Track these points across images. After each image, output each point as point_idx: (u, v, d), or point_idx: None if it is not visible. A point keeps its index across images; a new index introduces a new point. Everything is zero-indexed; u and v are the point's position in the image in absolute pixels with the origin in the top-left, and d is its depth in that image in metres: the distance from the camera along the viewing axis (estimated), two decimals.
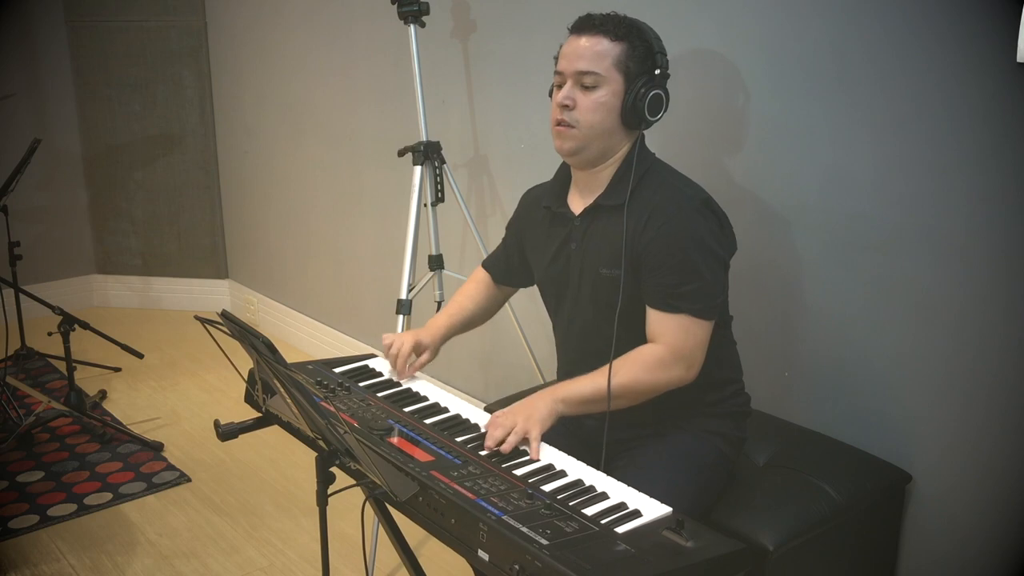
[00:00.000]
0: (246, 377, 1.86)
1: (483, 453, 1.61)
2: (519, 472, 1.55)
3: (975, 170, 1.78)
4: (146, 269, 4.59)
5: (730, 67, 2.16)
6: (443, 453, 1.58)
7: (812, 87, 2.02)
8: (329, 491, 1.56)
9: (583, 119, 1.74)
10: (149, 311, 4.60)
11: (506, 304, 2.26)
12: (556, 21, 1.92)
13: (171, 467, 3.03)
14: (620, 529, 1.38)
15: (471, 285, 2.14)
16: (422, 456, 1.56)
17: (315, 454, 1.59)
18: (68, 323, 3.23)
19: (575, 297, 1.87)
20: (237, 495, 2.88)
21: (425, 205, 2.70)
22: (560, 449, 1.65)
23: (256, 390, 1.82)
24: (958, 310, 1.85)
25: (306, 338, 4.07)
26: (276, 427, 1.82)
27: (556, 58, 1.80)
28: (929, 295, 1.89)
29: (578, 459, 1.62)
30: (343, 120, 3.58)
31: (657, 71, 1.75)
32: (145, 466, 3.03)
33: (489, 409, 1.98)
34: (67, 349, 3.20)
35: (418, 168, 2.65)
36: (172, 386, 3.71)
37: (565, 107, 1.75)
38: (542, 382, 2.68)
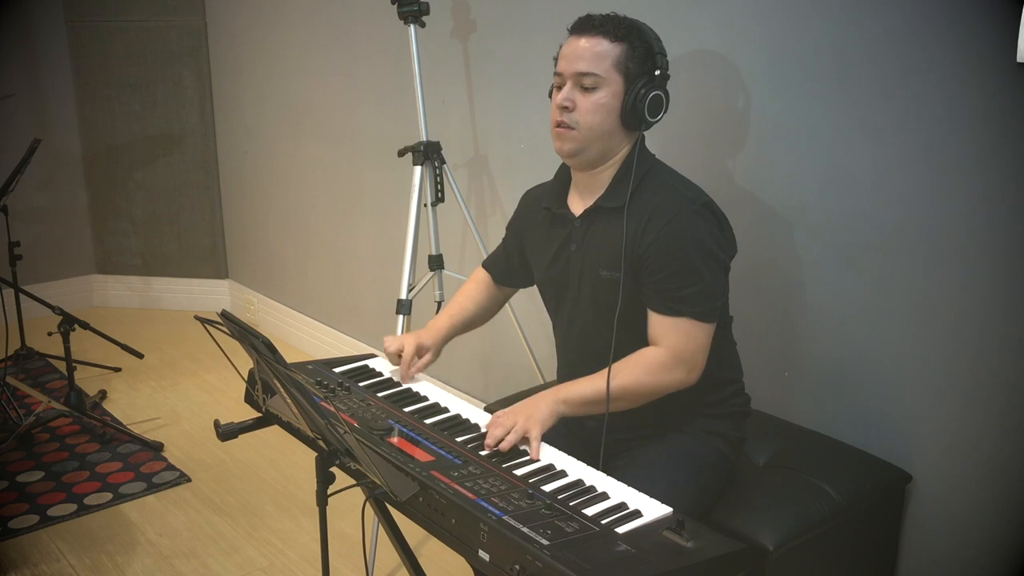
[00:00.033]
0: (246, 377, 1.86)
1: (483, 453, 1.62)
2: (519, 472, 1.55)
3: (975, 170, 1.78)
4: (146, 269, 4.59)
5: (730, 67, 2.16)
6: (443, 453, 1.58)
7: (812, 87, 2.02)
8: (329, 491, 1.56)
9: (583, 121, 1.74)
10: (149, 311, 4.60)
11: (506, 304, 2.26)
12: (556, 21, 1.92)
13: (171, 467, 3.03)
14: (620, 529, 1.38)
15: (471, 286, 2.14)
16: (422, 456, 1.56)
17: (315, 454, 1.59)
18: (68, 323, 3.23)
19: (575, 298, 1.87)
20: (237, 495, 2.88)
21: (425, 205, 2.70)
22: (560, 449, 1.65)
23: (256, 390, 1.82)
24: (958, 310, 1.85)
25: (306, 338, 4.07)
26: (276, 427, 1.82)
27: (556, 59, 1.80)
28: (929, 295, 1.89)
29: (578, 459, 1.62)
30: (343, 120, 3.58)
31: (657, 72, 1.75)
32: (145, 466, 3.03)
33: (489, 409, 1.98)
34: (67, 349, 3.20)
35: (418, 168, 2.65)
36: (172, 386, 3.71)
37: (565, 109, 1.75)
38: (542, 382, 2.68)
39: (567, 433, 1.81)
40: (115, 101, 4.37)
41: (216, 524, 2.72)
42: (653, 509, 1.44)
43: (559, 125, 1.76)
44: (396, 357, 1.96)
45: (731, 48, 2.16)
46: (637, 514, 1.43)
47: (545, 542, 1.30)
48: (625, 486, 1.52)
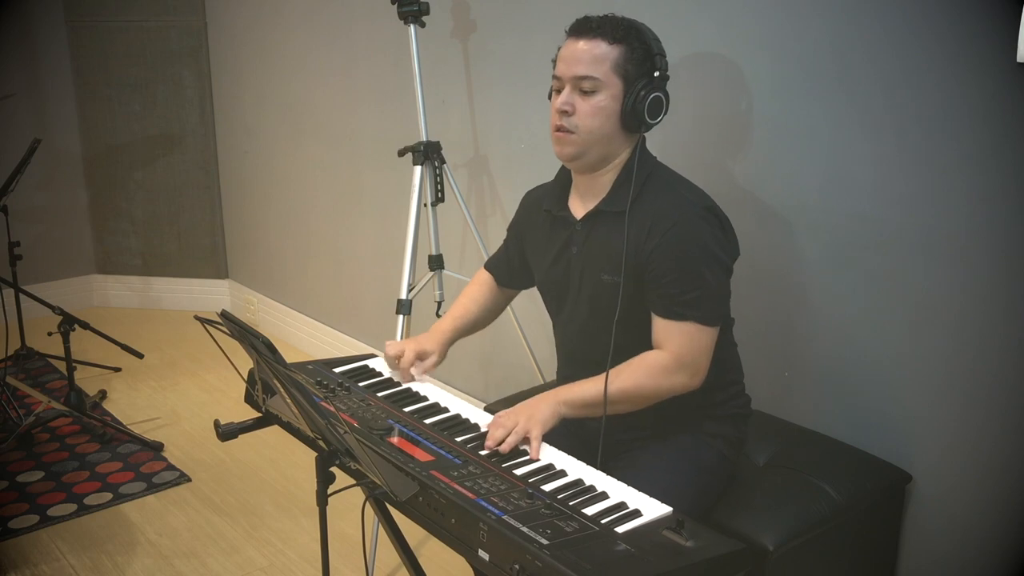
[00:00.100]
0: (246, 377, 1.86)
1: (483, 453, 1.61)
2: (519, 472, 1.55)
3: (975, 170, 1.78)
4: (146, 269, 4.59)
5: (730, 67, 2.16)
6: (443, 453, 1.58)
7: (812, 87, 2.02)
8: (329, 491, 1.56)
9: (582, 124, 1.73)
10: (149, 311, 4.60)
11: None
12: (556, 21, 1.92)
13: (171, 467, 3.03)
14: (620, 529, 1.38)
15: (474, 288, 2.13)
16: (422, 456, 1.56)
17: (315, 454, 1.59)
18: (68, 323, 3.23)
19: (575, 301, 1.86)
20: (237, 495, 2.88)
21: (425, 205, 2.70)
22: (560, 449, 1.65)
23: (256, 390, 1.82)
24: (958, 310, 1.85)
25: (306, 338, 4.07)
26: (276, 427, 1.82)
27: (554, 61, 1.79)
28: (929, 295, 1.89)
29: (578, 459, 1.62)
30: (343, 120, 3.58)
31: (656, 73, 1.74)
32: (145, 466, 3.03)
33: (489, 409, 1.98)
34: (67, 349, 3.20)
35: (418, 168, 2.65)
36: (172, 386, 3.71)
37: (564, 113, 1.73)
38: (542, 382, 2.68)
39: (567, 433, 1.80)
40: (115, 101, 4.37)
41: (216, 524, 2.72)
42: (653, 509, 1.44)
43: (559, 129, 1.75)
44: (395, 361, 1.96)
45: (731, 48, 2.16)
46: (637, 514, 1.43)
47: (545, 542, 1.30)
48: (625, 486, 1.52)
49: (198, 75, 4.31)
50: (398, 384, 1.93)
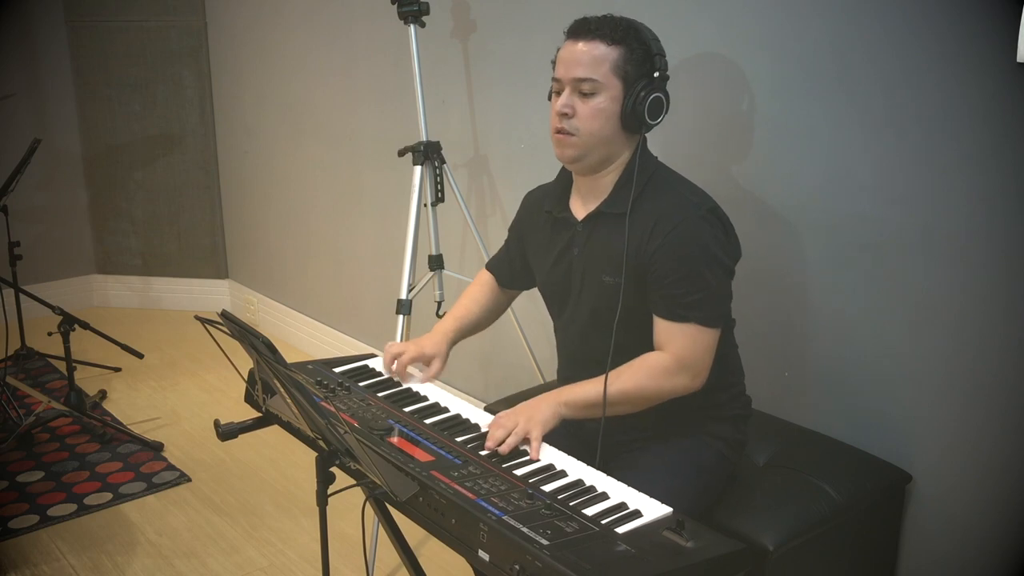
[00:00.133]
0: (246, 377, 1.86)
1: (483, 453, 1.61)
2: (519, 472, 1.55)
3: (975, 170, 1.78)
4: (146, 269, 4.59)
5: (730, 68, 2.16)
6: (443, 453, 1.58)
7: (812, 87, 2.02)
8: (329, 491, 1.56)
9: (583, 127, 1.72)
10: (149, 311, 4.60)
11: None
12: (556, 21, 1.92)
13: (171, 467, 3.03)
14: (620, 529, 1.38)
15: (476, 288, 2.13)
16: (422, 456, 1.56)
17: (315, 454, 1.59)
18: (68, 323, 3.23)
19: (576, 302, 1.86)
20: (237, 495, 2.88)
21: (425, 205, 2.70)
22: (560, 449, 1.65)
23: (256, 390, 1.82)
24: (958, 310, 1.85)
25: (306, 338, 4.07)
26: (276, 427, 1.82)
27: (554, 62, 1.78)
28: (929, 295, 1.89)
29: (578, 460, 1.62)
30: (343, 120, 3.58)
31: (656, 73, 1.73)
32: (145, 466, 3.03)
33: (489, 409, 1.98)
34: (67, 349, 3.20)
35: (418, 168, 2.65)
36: (172, 386, 3.71)
37: (564, 115, 1.73)
38: (542, 382, 2.68)
39: (567, 434, 1.80)
40: (115, 101, 4.37)
41: (216, 524, 2.72)
42: (653, 509, 1.44)
43: (559, 132, 1.75)
44: (392, 360, 1.96)
45: (731, 48, 2.16)
46: (637, 514, 1.43)
47: (545, 542, 1.30)
48: (625, 486, 1.52)
49: (198, 75, 4.31)
50: (398, 384, 1.93)
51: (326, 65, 3.59)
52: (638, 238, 1.73)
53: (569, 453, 1.64)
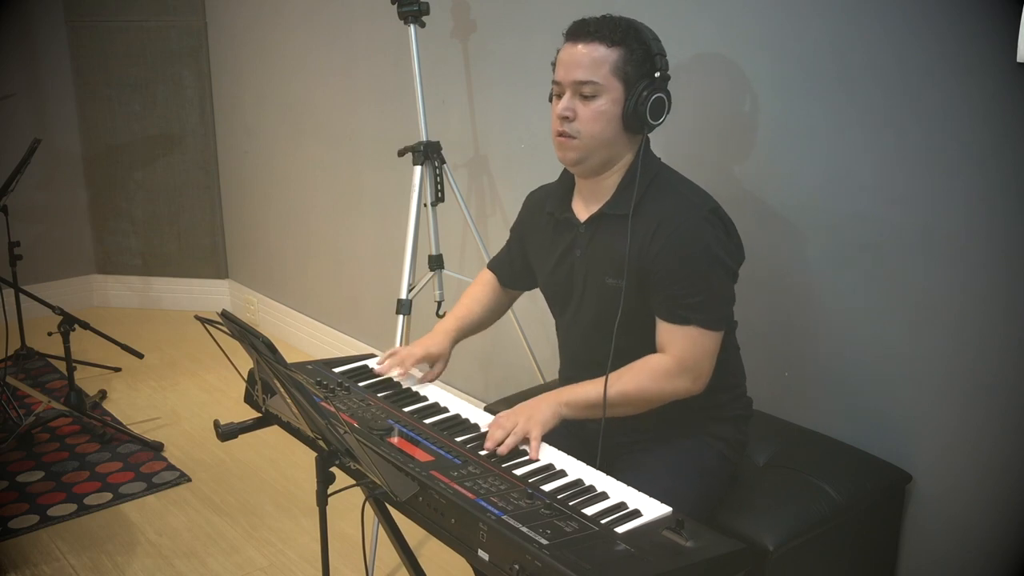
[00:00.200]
0: (246, 377, 1.86)
1: (483, 453, 1.61)
2: (519, 472, 1.55)
3: (975, 170, 1.78)
4: (146, 269, 4.59)
5: (730, 68, 2.16)
6: (443, 453, 1.58)
7: (812, 87, 2.02)
8: (329, 491, 1.56)
9: (584, 129, 1.72)
10: (149, 311, 4.60)
11: None
12: (556, 21, 1.92)
13: (171, 467, 3.03)
14: (620, 529, 1.38)
15: (477, 288, 2.12)
16: (422, 456, 1.56)
17: (315, 454, 1.59)
18: (68, 323, 3.23)
19: (578, 304, 1.86)
20: (237, 495, 2.88)
21: (425, 205, 2.70)
22: (561, 449, 1.65)
23: (256, 390, 1.82)
24: (958, 310, 1.85)
25: (306, 338, 4.07)
26: (276, 427, 1.82)
27: (554, 64, 1.78)
28: (929, 295, 1.89)
29: (578, 460, 1.62)
30: (343, 120, 3.58)
31: (657, 74, 1.72)
32: (145, 466, 3.03)
33: (489, 409, 1.98)
34: (67, 349, 3.20)
35: (418, 168, 2.65)
36: (172, 386, 3.71)
37: (565, 119, 1.72)
38: (542, 383, 2.68)
39: (567, 434, 1.80)
40: (115, 101, 4.37)
41: (216, 524, 2.72)
42: (653, 509, 1.44)
43: (560, 135, 1.74)
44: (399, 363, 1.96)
45: (731, 48, 2.16)
46: (637, 514, 1.43)
47: (544, 542, 1.30)
48: (624, 486, 1.52)
49: (198, 75, 4.31)
50: (398, 384, 1.93)
51: (326, 65, 3.59)
52: (640, 240, 1.72)
53: (570, 454, 1.64)
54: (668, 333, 1.72)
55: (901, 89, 1.87)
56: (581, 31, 1.72)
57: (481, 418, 1.76)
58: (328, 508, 1.59)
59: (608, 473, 1.59)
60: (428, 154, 2.66)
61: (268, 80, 3.96)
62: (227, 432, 1.75)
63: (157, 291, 4.61)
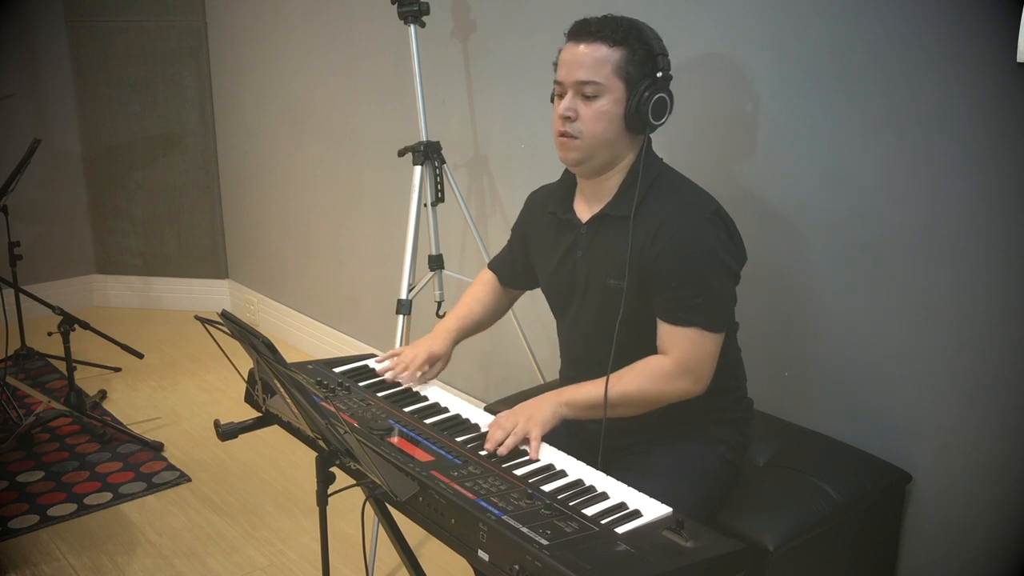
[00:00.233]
0: (246, 377, 1.86)
1: (483, 453, 1.61)
2: (519, 472, 1.55)
3: (975, 170, 1.78)
4: (146, 269, 4.59)
5: (730, 68, 2.16)
6: (443, 453, 1.58)
7: (812, 87, 2.02)
8: (329, 491, 1.56)
9: (586, 130, 1.71)
10: (149, 311, 4.60)
11: None
12: (556, 21, 1.92)
13: (171, 467, 3.03)
14: (620, 529, 1.38)
15: (478, 288, 2.12)
16: (422, 456, 1.56)
17: (315, 454, 1.59)
18: (68, 323, 3.23)
19: (580, 304, 1.86)
20: (237, 495, 2.88)
21: (425, 205, 2.70)
22: (561, 450, 1.65)
23: (256, 390, 1.82)
24: (958, 310, 1.85)
25: (306, 338, 4.07)
26: (276, 427, 1.82)
27: (555, 64, 1.77)
28: (929, 295, 1.89)
29: (578, 460, 1.62)
30: (343, 120, 3.58)
31: (659, 73, 1.71)
32: (145, 466, 3.03)
33: (489, 409, 1.98)
34: (67, 349, 3.20)
35: (418, 168, 2.65)
36: (172, 386, 3.71)
37: (567, 119, 1.72)
38: (542, 383, 2.68)
39: (568, 434, 1.80)
40: (115, 101, 4.37)
41: (216, 524, 2.72)
42: (653, 509, 1.44)
43: (562, 135, 1.74)
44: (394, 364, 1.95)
45: (731, 48, 2.16)
46: (637, 514, 1.43)
47: (544, 542, 1.30)
48: (625, 486, 1.52)
49: (198, 75, 4.31)
50: (398, 384, 1.93)
51: (326, 65, 3.59)
52: (642, 241, 1.72)
53: (570, 454, 1.64)
54: (669, 334, 1.72)
55: (901, 89, 1.87)
56: (583, 31, 1.72)
57: (481, 418, 1.76)
58: (328, 508, 1.59)
59: (608, 475, 1.59)
60: (428, 154, 2.66)
61: (268, 80, 3.96)
62: (227, 432, 1.75)
63: (157, 291, 4.61)
